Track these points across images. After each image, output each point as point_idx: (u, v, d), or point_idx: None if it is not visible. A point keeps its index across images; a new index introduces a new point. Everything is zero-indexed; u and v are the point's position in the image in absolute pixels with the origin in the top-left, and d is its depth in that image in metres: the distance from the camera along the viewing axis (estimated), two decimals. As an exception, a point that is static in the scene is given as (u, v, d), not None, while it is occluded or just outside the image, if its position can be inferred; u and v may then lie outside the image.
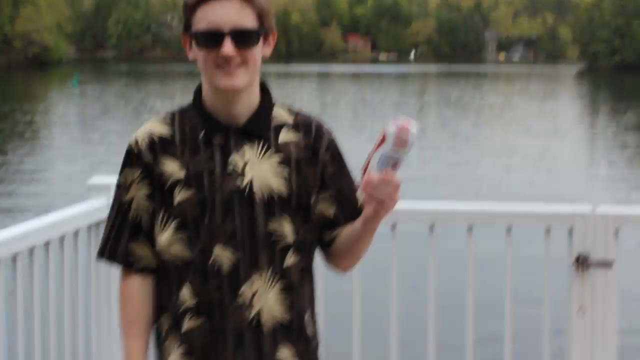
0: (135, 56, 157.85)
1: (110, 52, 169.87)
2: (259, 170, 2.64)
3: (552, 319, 3.80)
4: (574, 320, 3.70)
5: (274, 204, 2.64)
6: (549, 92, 64.40)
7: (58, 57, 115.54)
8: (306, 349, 2.72)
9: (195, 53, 2.65)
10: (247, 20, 2.59)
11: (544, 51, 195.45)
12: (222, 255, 2.61)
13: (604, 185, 20.57)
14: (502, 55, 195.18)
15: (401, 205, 3.63)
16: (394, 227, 3.80)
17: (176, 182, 2.64)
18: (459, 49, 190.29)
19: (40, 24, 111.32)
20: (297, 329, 2.70)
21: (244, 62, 2.61)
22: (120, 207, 2.74)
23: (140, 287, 2.73)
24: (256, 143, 2.66)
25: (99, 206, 3.89)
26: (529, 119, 39.34)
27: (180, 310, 2.65)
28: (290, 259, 2.67)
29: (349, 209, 2.78)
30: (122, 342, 2.76)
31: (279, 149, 2.68)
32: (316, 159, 2.72)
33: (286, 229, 2.65)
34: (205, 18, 2.59)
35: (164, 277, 2.70)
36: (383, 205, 2.50)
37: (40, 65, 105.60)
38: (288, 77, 76.80)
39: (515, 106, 48.00)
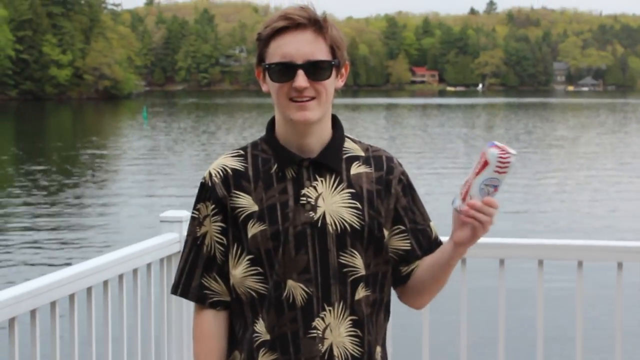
0: (203, 89, 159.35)
1: (179, 85, 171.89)
2: (332, 202, 2.64)
3: (624, 353, 3.76)
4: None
5: (346, 237, 2.63)
6: (618, 124, 63.70)
7: (128, 90, 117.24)
8: None
9: (268, 86, 2.67)
10: (320, 52, 2.60)
11: (613, 82, 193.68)
12: (296, 288, 2.62)
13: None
14: (570, 87, 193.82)
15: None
16: (463, 261, 3.80)
17: (250, 216, 2.65)
18: (527, 80, 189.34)
19: (111, 57, 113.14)
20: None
21: (317, 95, 2.61)
22: (194, 242, 2.76)
23: (214, 322, 2.74)
24: (328, 176, 2.67)
25: (171, 240, 3.95)
26: (598, 152, 38.93)
27: (255, 344, 2.66)
28: (361, 293, 2.66)
29: (425, 241, 2.77)
30: None
31: (351, 181, 2.68)
32: (388, 192, 2.72)
33: (358, 262, 2.65)
34: (279, 50, 2.60)
35: (238, 311, 2.72)
36: (482, 228, 2.53)
37: (110, 98, 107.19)
38: (356, 110, 77.00)
39: (586, 139, 47.52)
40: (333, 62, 2.63)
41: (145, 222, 18.27)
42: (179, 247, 3.97)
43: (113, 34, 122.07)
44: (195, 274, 2.74)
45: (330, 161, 2.67)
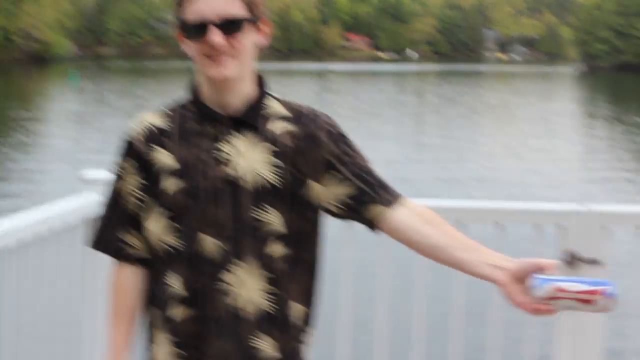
0: (135, 53, 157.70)
1: (111, 48, 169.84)
2: (250, 159, 2.64)
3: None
4: (562, 318, 3.71)
5: (263, 194, 2.63)
6: (547, 92, 64.37)
7: (58, 53, 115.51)
8: (289, 342, 2.72)
9: (188, 46, 2.67)
10: (234, 8, 2.60)
11: (544, 51, 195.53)
12: (209, 244, 2.62)
13: (599, 186, 20.56)
14: (502, 55, 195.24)
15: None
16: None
17: (167, 171, 2.66)
18: (459, 47, 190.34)
19: (40, 20, 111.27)
20: (281, 320, 2.69)
21: (233, 51, 2.62)
22: (114, 196, 2.78)
23: (131, 277, 2.76)
24: (248, 133, 2.67)
25: (90, 200, 3.90)
26: (526, 119, 39.33)
27: (169, 299, 2.67)
28: (276, 249, 2.66)
29: (374, 180, 2.73)
30: (108, 331, 2.80)
31: (271, 138, 2.68)
32: (315, 146, 2.70)
33: (275, 218, 2.65)
34: (192, 8, 2.61)
35: (155, 266, 2.72)
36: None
37: (40, 61, 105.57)
38: (288, 75, 76.78)
39: (514, 106, 47.95)
40: (247, 18, 2.62)
41: (71, 184, 18.07)
42: (99, 207, 3.91)
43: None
44: (114, 228, 2.76)
45: (251, 118, 2.68)
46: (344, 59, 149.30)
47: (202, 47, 2.62)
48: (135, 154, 2.73)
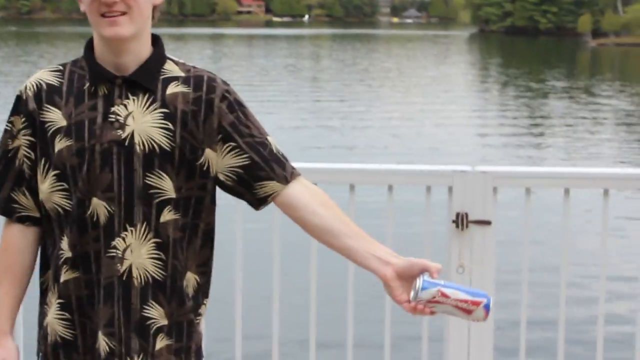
0: (23, 17, 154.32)
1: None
2: (142, 122, 2.59)
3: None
4: (453, 277, 3.77)
5: (154, 158, 2.58)
6: (441, 55, 65.07)
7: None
8: (180, 311, 2.68)
9: (83, 3, 2.59)
10: None
11: (437, 15, 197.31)
12: (99, 207, 2.58)
13: (488, 148, 20.92)
14: (395, 18, 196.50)
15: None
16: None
17: (57, 131, 2.60)
18: (352, 11, 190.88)
19: None
20: (171, 288, 2.65)
21: (129, 10, 2.55)
22: (4, 155, 2.71)
23: (20, 236, 2.71)
24: (141, 95, 2.62)
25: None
26: (420, 82, 39.72)
27: (60, 262, 2.63)
28: (168, 216, 2.62)
29: (268, 153, 2.68)
30: None
31: (165, 101, 2.62)
32: (210, 112, 2.64)
33: (166, 184, 2.60)
34: None
35: (48, 228, 2.68)
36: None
37: None
38: (182, 40, 76.06)
39: (408, 70, 48.38)
40: None
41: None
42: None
43: None
44: (4, 187, 2.70)
45: (144, 80, 2.62)
46: (238, 24, 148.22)
47: (97, 5, 2.54)
48: (26, 111, 2.66)
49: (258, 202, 2.71)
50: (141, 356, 2.64)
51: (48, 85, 2.67)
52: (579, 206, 8.34)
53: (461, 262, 3.76)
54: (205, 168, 2.66)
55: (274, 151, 2.70)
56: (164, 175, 2.60)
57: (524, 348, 3.89)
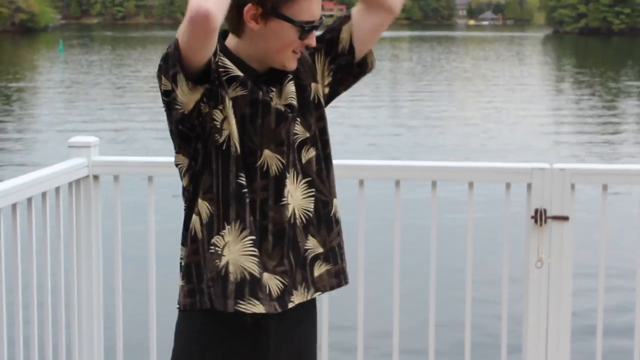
0: (118, 22, 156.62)
1: (95, 18, 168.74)
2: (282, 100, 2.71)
3: (512, 270, 3.83)
4: (531, 271, 3.74)
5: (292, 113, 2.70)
6: (517, 56, 64.41)
7: (44, 23, 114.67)
8: (331, 236, 2.78)
9: (269, 30, 2.64)
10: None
11: (512, 17, 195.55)
12: (271, 159, 2.66)
13: (565, 147, 20.65)
14: (472, 21, 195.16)
15: (367, 162, 3.68)
16: (361, 182, 3.83)
17: (234, 78, 2.64)
18: (430, 14, 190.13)
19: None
20: (325, 218, 2.76)
21: None
22: None
23: None
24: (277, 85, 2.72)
25: (79, 164, 3.89)
26: (498, 83, 39.37)
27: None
28: (308, 154, 2.73)
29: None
30: None
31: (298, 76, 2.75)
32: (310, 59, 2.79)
33: (300, 129, 2.71)
34: (309, 9, 2.64)
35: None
36: None
37: (26, 31, 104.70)
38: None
39: (486, 71, 47.97)
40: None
41: (60, 151, 17.97)
42: (86, 171, 3.92)
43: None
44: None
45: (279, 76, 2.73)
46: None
47: (299, 44, 2.66)
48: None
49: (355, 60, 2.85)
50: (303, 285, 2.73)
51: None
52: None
53: (540, 256, 3.72)
54: (316, 101, 2.78)
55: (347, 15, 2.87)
56: (297, 123, 2.73)
57: (601, 353, 3.81)
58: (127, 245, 4.27)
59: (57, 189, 3.78)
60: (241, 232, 2.61)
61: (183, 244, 2.71)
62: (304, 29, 2.63)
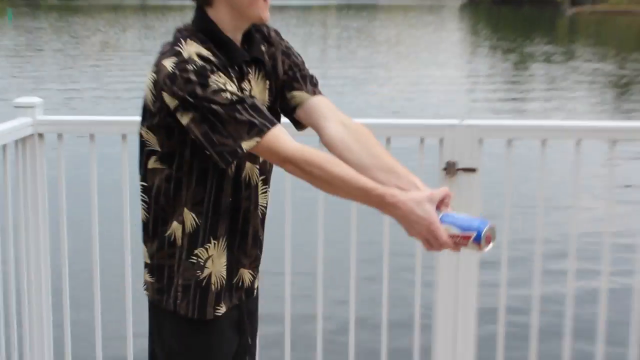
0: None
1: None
2: (259, 92, 2.63)
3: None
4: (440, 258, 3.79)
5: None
6: (437, 23, 64.64)
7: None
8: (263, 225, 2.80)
9: None
10: None
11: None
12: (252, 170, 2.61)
13: (479, 104, 20.86)
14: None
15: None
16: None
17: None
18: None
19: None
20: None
21: None
22: (243, 96, 2.43)
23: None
24: (255, 67, 2.62)
25: (24, 123, 3.83)
26: (418, 49, 39.52)
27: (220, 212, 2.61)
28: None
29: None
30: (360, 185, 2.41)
31: (266, 66, 2.66)
32: (276, 63, 2.71)
33: None
34: None
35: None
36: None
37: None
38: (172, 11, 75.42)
39: (408, 37, 48.08)
40: None
41: (8, 113, 17.65)
42: (31, 130, 3.85)
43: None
44: (262, 110, 2.46)
45: (259, 55, 2.63)
46: None
47: None
48: (218, 66, 2.45)
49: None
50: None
51: (206, 57, 2.42)
52: (555, 156, 8.32)
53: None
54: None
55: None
56: None
57: (504, 308, 3.86)
58: (71, 200, 4.20)
59: (4, 147, 3.72)
60: (227, 247, 2.59)
61: (147, 241, 2.60)
62: None
